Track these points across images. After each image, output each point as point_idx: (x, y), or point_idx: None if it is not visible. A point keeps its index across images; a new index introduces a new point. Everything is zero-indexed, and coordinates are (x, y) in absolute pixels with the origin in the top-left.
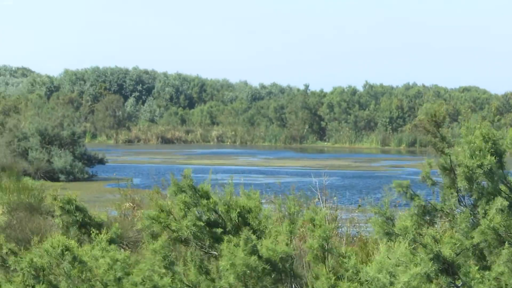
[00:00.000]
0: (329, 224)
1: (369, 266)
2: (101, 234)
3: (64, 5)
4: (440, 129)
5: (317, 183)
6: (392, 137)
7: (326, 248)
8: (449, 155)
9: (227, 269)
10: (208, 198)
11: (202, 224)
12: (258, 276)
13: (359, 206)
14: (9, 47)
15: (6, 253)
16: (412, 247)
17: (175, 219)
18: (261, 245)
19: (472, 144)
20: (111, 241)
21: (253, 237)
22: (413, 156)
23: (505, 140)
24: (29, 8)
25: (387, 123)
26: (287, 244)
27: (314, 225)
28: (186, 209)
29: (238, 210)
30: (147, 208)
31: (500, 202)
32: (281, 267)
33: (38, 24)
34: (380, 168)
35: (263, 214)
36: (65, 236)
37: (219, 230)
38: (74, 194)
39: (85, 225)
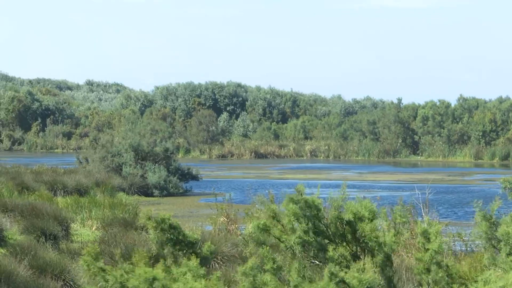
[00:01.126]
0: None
1: None
2: (193, 254)
3: (157, 22)
4: None
5: (419, 196)
6: (485, 151)
7: (434, 262)
8: None
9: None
10: (317, 209)
11: (310, 239)
12: None
13: (445, 224)
14: (102, 63)
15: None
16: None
17: (284, 230)
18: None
19: None
20: (202, 261)
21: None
22: (507, 170)
23: None
24: (121, 25)
25: (480, 137)
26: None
27: (426, 238)
28: (295, 221)
29: (348, 217)
30: (244, 222)
31: None
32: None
33: (132, 41)
34: (474, 181)
35: (371, 227)
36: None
37: (326, 242)
38: (168, 214)
39: (179, 242)
